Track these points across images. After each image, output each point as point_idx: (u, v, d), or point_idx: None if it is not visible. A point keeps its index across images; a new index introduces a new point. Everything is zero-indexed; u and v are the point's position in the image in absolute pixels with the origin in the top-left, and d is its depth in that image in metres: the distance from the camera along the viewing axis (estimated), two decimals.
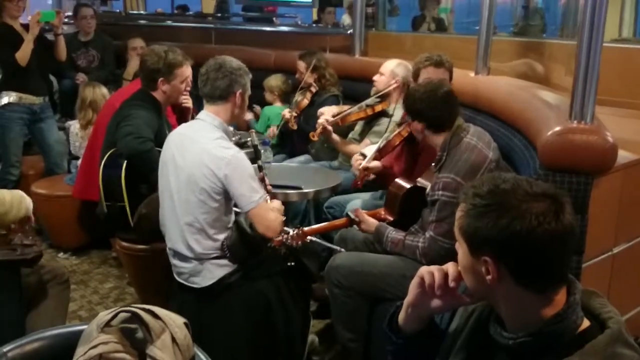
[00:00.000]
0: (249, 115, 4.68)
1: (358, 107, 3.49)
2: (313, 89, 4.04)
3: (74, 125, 4.13)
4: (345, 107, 3.58)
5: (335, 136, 3.48)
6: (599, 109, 2.14)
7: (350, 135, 3.72)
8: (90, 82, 4.33)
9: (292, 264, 2.47)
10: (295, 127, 3.90)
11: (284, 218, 2.41)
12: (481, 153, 2.28)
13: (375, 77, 3.49)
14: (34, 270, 2.37)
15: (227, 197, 2.31)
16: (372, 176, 2.92)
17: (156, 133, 2.83)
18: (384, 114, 3.47)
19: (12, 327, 2.19)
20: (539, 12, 5.94)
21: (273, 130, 4.13)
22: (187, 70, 2.94)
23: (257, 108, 4.54)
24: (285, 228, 2.39)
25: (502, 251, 1.10)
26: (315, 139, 3.55)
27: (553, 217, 1.07)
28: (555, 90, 2.90)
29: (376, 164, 2.85)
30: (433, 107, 2.33)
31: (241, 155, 2.31)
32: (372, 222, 2.50)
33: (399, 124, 2.97)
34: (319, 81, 4.05)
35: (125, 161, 2.75)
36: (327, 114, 3.49)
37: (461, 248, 1.18)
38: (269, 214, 2.31)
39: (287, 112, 3.96)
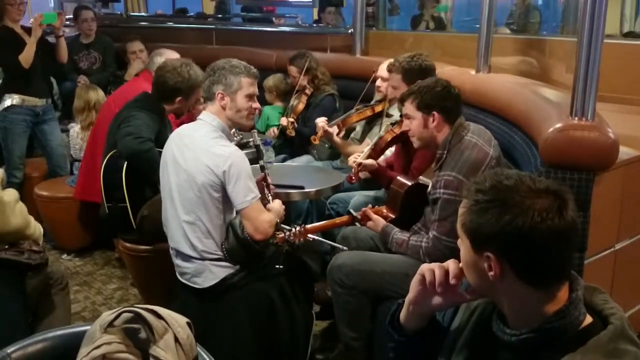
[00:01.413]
0: None
1: (357, 109, 3.50)
2: (308, 92, 4.04)
3: (74, 129, 4.15)
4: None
5: (336, 138, 3.49)
6: (600, 105, 2.13)
7: (352, 136, 3.72)
8: (91, 85, 4.35)
9: (282, 265, 2.44)
10: (293, 134, 3.89)
11: (278, 221, 2.38)
12: (482, 150, 2.28)
13: (379, 83, 3.48)
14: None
15: (226, 195, 2.31)
16: (367, 174, 2.92)
17: (157, 135, 2.84)
18: (384, 114, 3.47)
19: (16, 328, 2.20)
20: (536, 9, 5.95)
21: (273, 130, 4.13)
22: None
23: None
24: (287, 227, 2.39)
25: (504, 247, 1.10)
26: (317, 142, 3.56)
27: (556, 213, 1.07)
28: (556, 87, 2.90)
29: (371, 161, 2.85)
30: (448, 97, 2.33)
31: (239, 153, 2.31)
32: (380, 222, 2.51)
33: (393, 124, 2.99)
34: (312, 82, 4.05)
35: (126, 162, 2.76)
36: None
37: (463, 244, 1.18)
38: (260, 215, 2.30)
39: (284, 120, 3.96)
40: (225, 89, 2.34)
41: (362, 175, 2.93)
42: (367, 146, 3.28)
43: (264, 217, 2.31)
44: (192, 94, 2.95)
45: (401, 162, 2.92)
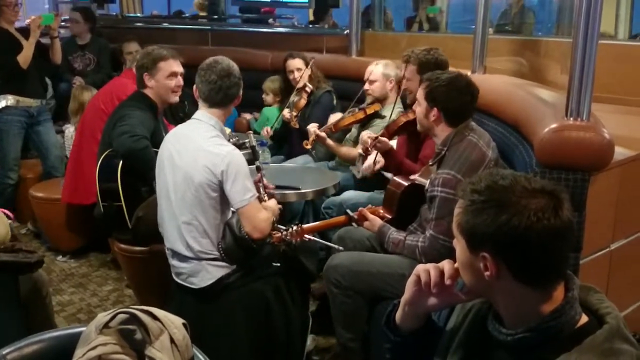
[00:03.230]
0: (248, 116, 4.69)
1: (349, 112, 3.51)
2: (308, 89, 4.04)
3: (69, 130, 4.14)
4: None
5: (329, 141, 3.52)
6: (595, 106, 2.14)
7: (347, 137, 3.73)
8: (86, 86, 4.34)
9: (279, 263, 2.45)
10: (297, 126, 3.90)
11: (275, 219, 2.40)
12: (481, 151, 2.28)
13: (367, 86, 3.49)
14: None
15: (223, 195, 2.31)
16: (381, 163, 2.93)
17: (152, 134, 2.84)
18: (377, 115, 3.48)
19: (11, 330, 2.19)
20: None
21: (267, 130, 4.13)
22: (171, 65, 2.93)
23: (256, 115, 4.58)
24: (284, 226, 2.39)
25: (500, 247, 1.10)
26: (309, 147, 3.57)
27: (552, 213, 1.08)
28: (551, 88, 2.91)
29: (385, 140, 2.84)
30: (455, 100, 2.30)
31: (237, 153, 2.31)
32: (376, 222, 2.51)
33: (402, 111, 3.01)
34: (313, 78, 4.06)
35: (121, 161, 2.76)
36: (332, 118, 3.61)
37: (459, 244, 1.18)
38: (259, 214, 2.31)
39: (286, 113, 3.96)
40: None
41: (376, 165, 2.94)
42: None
43: (262, 216, 2.32)
44: (155, 69, 2.90)
45: (406, 150, 2.92)
